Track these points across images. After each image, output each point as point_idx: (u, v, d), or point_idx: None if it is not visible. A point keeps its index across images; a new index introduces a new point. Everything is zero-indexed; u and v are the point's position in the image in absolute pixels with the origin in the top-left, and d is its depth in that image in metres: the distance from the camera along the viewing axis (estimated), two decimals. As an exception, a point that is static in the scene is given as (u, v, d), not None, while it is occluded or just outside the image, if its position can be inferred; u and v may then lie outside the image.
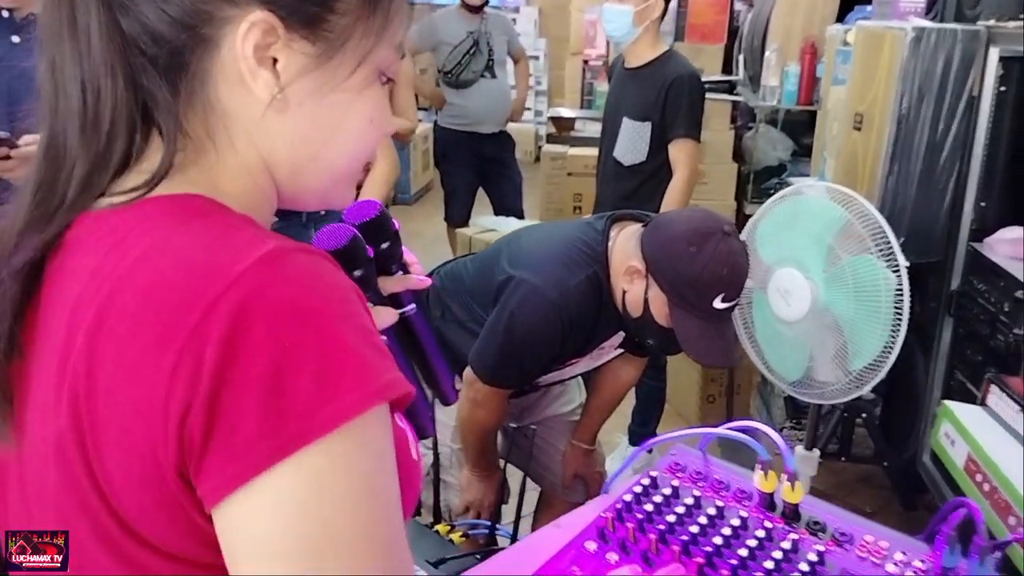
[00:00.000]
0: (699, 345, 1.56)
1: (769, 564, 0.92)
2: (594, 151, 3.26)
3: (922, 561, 0.92)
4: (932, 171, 2.42)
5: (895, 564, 0.92)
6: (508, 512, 1.76)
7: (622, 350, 1.85)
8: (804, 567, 0.92)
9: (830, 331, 1.84)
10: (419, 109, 7.05)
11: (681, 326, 1.55)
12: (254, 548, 0.50)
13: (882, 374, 1.78)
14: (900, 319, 1.72)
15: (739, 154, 4.09)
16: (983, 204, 2.43)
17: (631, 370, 1.97)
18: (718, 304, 1.53)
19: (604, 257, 1.63)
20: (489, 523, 1.61)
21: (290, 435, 0.49)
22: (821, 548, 0.94)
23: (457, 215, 4.14)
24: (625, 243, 1.63)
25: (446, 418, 1.77)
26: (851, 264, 1.78)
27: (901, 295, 1.73)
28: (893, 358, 1.75)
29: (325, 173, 0.64)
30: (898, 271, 1.75)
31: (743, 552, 0.94)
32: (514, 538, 1.59)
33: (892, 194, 2.45)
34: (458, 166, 4.09)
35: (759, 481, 1.04)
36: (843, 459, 2.96)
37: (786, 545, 0.95)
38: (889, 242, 1.77)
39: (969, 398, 2.10)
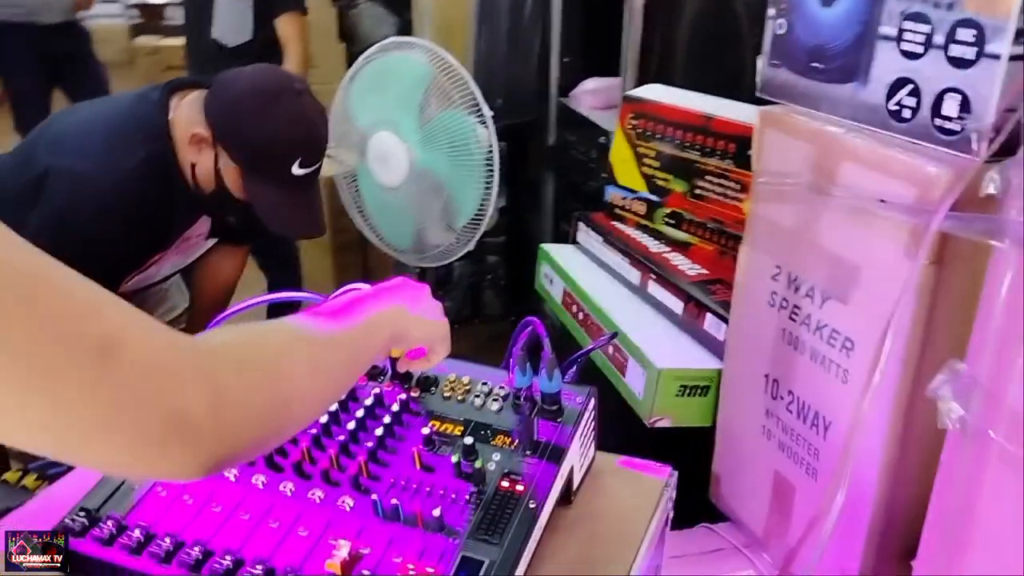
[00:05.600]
0: (281, 216, 1.43)
1: (352, 424, 0.86)
2: (194, 39, 2.93)
3: (502, 387, 0.91)
4: (518, 31, 2.48)
5: (478, 396, 0.91)
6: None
7: (215, 239, 1.67)
8: (387, 419, 0.87)
9: (432, 192, 1.82)
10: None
11: (258, 197, 1.40)
12: None
13: (483, 228, 1.81)
14: (492, 171, 1.74)
15: (345, 34, 3.94)
16: (566, 60, 2.55)
17: (232, 263, 1.79)
18: (296, 170, 1.40)
19: (166, 131, 1.42)
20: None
21: None
22: (403, 396, 0.90)
23: (31, 124, 3.51)
24: (189, 111, 1.42)
25: None
26: (442, 120, 1.75)
27: (490, 147, 1.75)
28: (491, 210, 1.78)
29: None
30: (485, 123, 1.76)
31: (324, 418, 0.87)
32: None
33: (485, 56, 2.49)
34: (19, 64, 3.43)
35: None
36: (476, 321, 3.10)
37: (368, 402, 0.89)
38: (474, 95, 1.77)
39: (572, 243, 2.25)
